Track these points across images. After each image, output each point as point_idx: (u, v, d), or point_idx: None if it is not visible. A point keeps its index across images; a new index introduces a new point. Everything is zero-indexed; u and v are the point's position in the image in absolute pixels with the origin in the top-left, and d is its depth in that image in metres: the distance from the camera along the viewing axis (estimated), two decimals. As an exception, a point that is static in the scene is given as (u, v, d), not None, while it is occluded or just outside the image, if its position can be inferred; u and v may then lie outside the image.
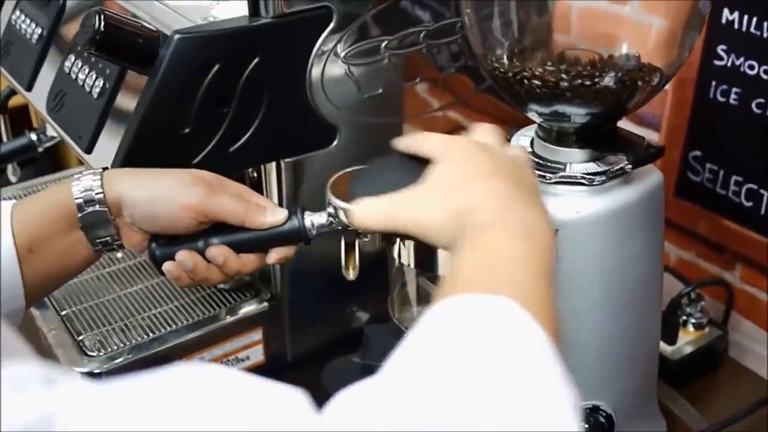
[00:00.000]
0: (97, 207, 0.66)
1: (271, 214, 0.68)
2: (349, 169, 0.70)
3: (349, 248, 0.69)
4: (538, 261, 0.52)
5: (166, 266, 0.67)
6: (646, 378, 0.81)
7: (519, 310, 0.47)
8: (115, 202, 0.66)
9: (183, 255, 0.67)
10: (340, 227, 0.66)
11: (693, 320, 0.96)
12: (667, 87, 1.00)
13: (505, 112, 0.97)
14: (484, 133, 0.64)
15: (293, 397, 0.41)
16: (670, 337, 0.93)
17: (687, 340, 0.96)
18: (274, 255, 0.69)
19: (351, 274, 0.69)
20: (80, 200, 0.65)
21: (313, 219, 0.68)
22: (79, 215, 0.66)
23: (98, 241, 0.67)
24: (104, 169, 0.68)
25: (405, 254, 0.68)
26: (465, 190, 0.57)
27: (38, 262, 0.66)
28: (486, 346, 0.45)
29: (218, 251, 0.67)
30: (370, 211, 0.61)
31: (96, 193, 0.65)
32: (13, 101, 1.01)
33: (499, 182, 0.57)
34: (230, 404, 0.39)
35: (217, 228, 0.67)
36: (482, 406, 0.42)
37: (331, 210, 0.66)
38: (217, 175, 0.68)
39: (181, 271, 0.67)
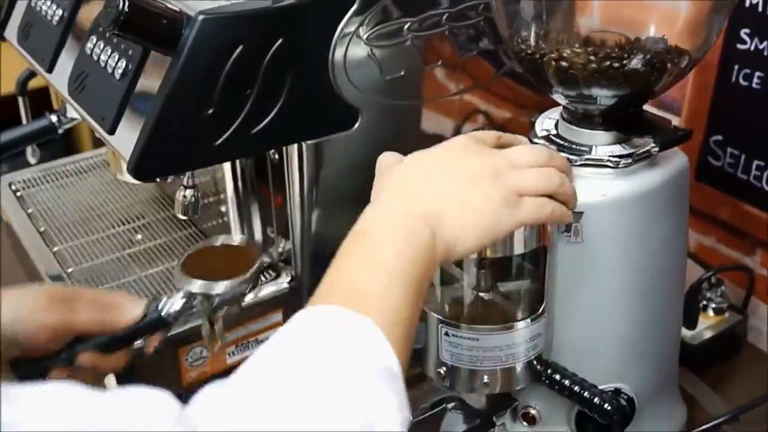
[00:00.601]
0: None
1: (127, 312, 0.68)
2: (196, 248, 0.76)
3: (211, 325, 0.74)
4: (417, 274, 0.56)
5: None
6: (668, 362, 0.81)
7: (377, 334, 0.52)
8: None
9: (54, 375, 0.65)
10: (196, 310, 0.71)
11: (713, 305, 0.96)
12: (688, 70, 1.00)
13: (524, 97, 0.97)
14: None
15: (155, 398, 0.44)
16: (690, 322, 0.93)
17: (707, 325, 0.95)
18: (152, 345, 0.70)
19: (216, 347, 0.75)
20: None
21: (170, 307, 0.70)
22: None
23: None
24: None
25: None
26: (391, 181, 0.62)
27: None
28: (335, 363, 0.50)
29: (86, 358, 0.66)
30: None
31: None
32: (33, 84, 1.01)
33: (421, 187, 0.61)
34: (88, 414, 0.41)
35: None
36: (315, 420, 0.47)
37: (190, 291, 0.71)
38: (70, 288, 0.66)
39: None
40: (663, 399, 0.82)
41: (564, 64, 0.67)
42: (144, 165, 0.73)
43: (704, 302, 0.96)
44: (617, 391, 0.75)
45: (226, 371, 0.86)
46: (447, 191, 0.60)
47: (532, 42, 0.70)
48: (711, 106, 0.98)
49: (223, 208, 0.93)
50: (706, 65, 0.97)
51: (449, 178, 0.61)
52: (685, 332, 0.93)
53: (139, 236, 0.97)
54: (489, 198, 0.60)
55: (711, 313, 0.96)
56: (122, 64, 0.78)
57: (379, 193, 0.63)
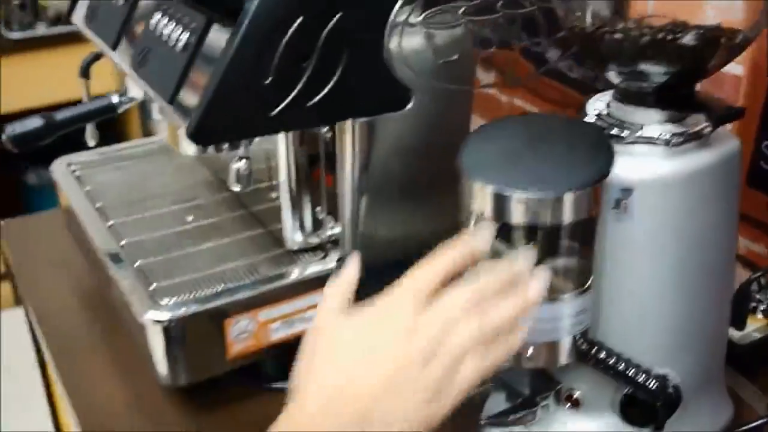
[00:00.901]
0: None
1: None
2: None
3: None
4: None
5: None
6: (714, 355, 0.80)
7: None
8: None
9: None
10: None
11: (762, 307, 0.95)
12: (740, 73, 0.99)
13: (565, 95, 0.97)
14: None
15: None
16: (739, 323, 0.92)
17: (756, 327, 0.94)
18: None
19: None
20: None
21: None
22: None
23: None
24: None
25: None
26: (314, 370, 0.60)
27: None
28: None
29: None
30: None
31: None
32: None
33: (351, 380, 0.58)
34: None
35: None
36: None
37: None
38: None
39: None
40: (709, 394, 0.80)
41: (617, 36, 0.68)
42: (203, 130, 0.75)
43: (753, 304, 0.95)
44: (663, 377, 0.74)
45: (271, 347, 0.89)
46: (375, 388, 0.57)
47: (588, 18, 0.71)
48: (763, 110, 0.98)
49: (274, 194, 0.95)
50: (758, 67, 0.96)
51: (376, 372, 0.58)
52: (734, 333, 0.92)
53: (191, 217, 0.99)
54: (423, 388, 0.57)
55: (760, 315, 0.95)
56: (184, 36, 0.81)
57: (302, 387, 0.60)
